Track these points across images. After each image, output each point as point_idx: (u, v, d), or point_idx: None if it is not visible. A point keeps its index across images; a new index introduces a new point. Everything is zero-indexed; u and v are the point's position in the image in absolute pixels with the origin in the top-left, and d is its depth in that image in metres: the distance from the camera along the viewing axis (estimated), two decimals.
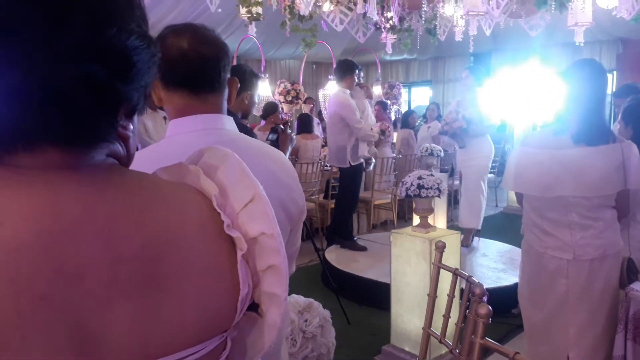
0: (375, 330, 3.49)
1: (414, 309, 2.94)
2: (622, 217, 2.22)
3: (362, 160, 4.95)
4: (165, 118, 3.87)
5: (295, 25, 4.54)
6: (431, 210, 3.09)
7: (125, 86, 0.51)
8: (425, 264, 2.83)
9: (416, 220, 3.10)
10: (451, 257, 2.75)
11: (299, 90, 7.27)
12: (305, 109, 7.43)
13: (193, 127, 1.09)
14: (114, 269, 0.48)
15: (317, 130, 6.55)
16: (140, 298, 0.49)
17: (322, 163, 5.80)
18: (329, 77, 7.40)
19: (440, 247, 2.08)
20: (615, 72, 9.33)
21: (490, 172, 7.33)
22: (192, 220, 0.55)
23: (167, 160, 0.65)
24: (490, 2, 3.60)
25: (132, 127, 0.57)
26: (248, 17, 4.16)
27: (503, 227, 6.15)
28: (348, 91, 4.84)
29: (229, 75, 1.15)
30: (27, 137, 0.47)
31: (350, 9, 4.53)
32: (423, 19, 4.81)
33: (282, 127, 2.72)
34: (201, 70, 1.08)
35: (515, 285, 2.53)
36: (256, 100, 2.76)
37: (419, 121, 8.35)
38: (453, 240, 2.95)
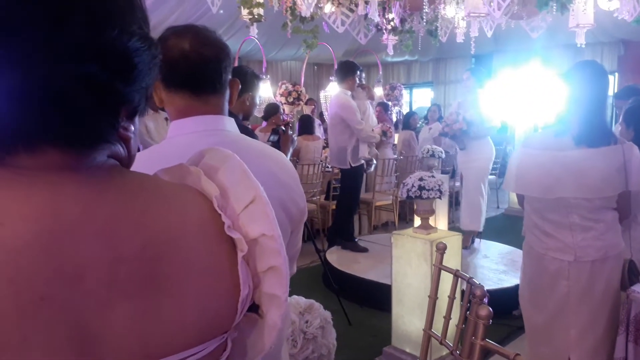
0: (376, 331, 3.49)
1: (415, 310, 2.93)
2: (623, 219, 2.22)
3: (362, 161, 4.95)
4: (166, 119, 3.87)
5: (296, 26, 4.55)
6: (432, 212, 3.09)
7: (127, 87, 0.51)
8: (426, 266, 2.83)
9: (417, 221, 3.10)
10: (452, 259, 2.75)
11: (300, 91, 7.27)
12: (307, 110, 7.44)
13: (194, 128, 1.09)
14: (114, 269, 0.48)
15: (319, 131, 6.55)
16: (141, 298, 0.49)
17: (323, 164, 5.80)
18: (331, 78, 7.40)
19: (441, 249, 2.08)
20: (616, 74, 9.32)
21: (492, 174, 7.33)
22: (193, 221, 0.55)
23: (168, 161, 0.66)
24: (492, 4, 3.60)
25: (133, 128, 0.57)
26: (249, 19, 4.17)
27: (504, 228, 6.15)
28: (349, 92, 4.85)
29: (230, 77, 1.15)
30: (27, 137, 0.47)
31: (351, 11, 4.53)
32: (424, 20, 4.81)
33: (283, 129, 2.72)
34: (202, 71, 1.09)
35: (517, 287, 2.53)
36: (257, 102, 2.76)
37: (420, 122, 8.35)
38: (454, 241, 2.95)
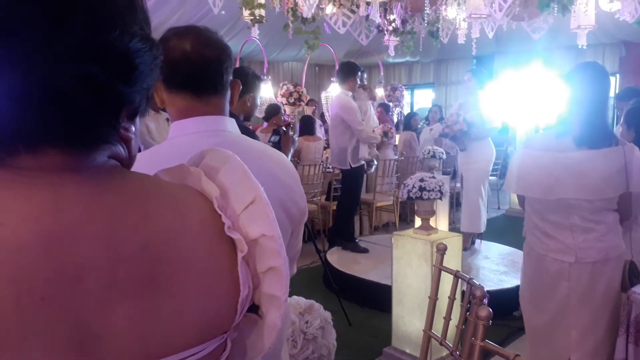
0: (376, 332, 3.49)
1: (415, 311, 2.94)
2: (624, 220, 2.22)
3: (363, 162, 4.96)
4: (168, 120, 3.87)
5: (298, 27, 4.55)
6: (433, 213, 3.09)
7: (127, 88, 0.51)
8: (427, 266, 2.83)
9: (418, 222, 3.10)
10: (453, 260, 2.75)
11: (302, 92, 7.28)
12: (308, 111, 7.45)
13: (195, 128, 1.09)
14: (114, 270, 0.48)
15: (320, 132, 6.55)
16: (141, 298, 0.49)
17: (324, 165, 5.80)
18: (332, 79, 7.41)
19: (442, 250, 2.08)
20: (618, 75, 9.32)
21: (493, 175, 7.33)
22: (193, 221, 0.55)
23: (168, 161, 0.66)
24: (493, 5, 3.60)
25: (134, 129, 0.57)
26: (251, 20, 4.17)
27: (505, 229, 6.15)
28: (350, 93, 4.85)
29: (231, 77, 1.15)
30: (27, 137, 0.47)
31: (352, 12, 4.53)
32: (426, 21, 4.81)
33: (284, 129, 2.73)
34: (204, 72, 1.09)
35: (517, 288, 2.52)
36: (258, 103, 2.77)
37: (421, 123, 8.35)
38: (455, 242, 2.95)
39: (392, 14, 4.78)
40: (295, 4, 4.23)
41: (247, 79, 2.47)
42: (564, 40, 7.51)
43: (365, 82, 5.73)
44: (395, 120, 8.40)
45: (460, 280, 1.91)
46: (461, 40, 5.12)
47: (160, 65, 0.56)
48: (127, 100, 0.52)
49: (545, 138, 2.34)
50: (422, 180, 3.03)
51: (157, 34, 0.80)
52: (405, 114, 8.75)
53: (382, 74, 9.77)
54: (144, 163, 0.71)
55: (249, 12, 4.13)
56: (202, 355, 0.54)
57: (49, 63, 0.45)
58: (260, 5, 4.11)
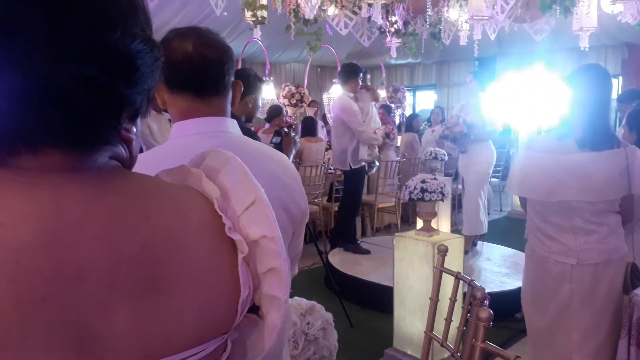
0: (377, 333, 3.49)
1: (417, 312, 2.93)
2: (626, 222, 2.21)
3: (363, 163, 4.96)
4: (170, 120, 3.88)
5: (300, 29, 4.55)
6: (434, 214, 3.09)
7: (129, 89, 0.51)
8: (428, 268, 2.83)
9: (419, 223, 3.10)
10: (454, 261, 2.75)
11: (304, 93, 7.29)
12: (310, 112, 7.45)
13: (196, 129, 1.09)
14: (115, 270, 0.48)
15: (321, 133, 6.56)
16: (141, 299, 0.49)
17: (326, 166, 5.81)
18: (334, 80, 7.42)
19: (443, 251, 2.08)
20: (620, 77, 9.31)
21: (495, 177, 7.33)
22: (194, 222, 0.55)
23: (170, 162, 0.66)
24: (495, 7, 3.60)
25: (135, 129, 0.57)
26: (253, 21, 4.18)
27: (507, 231, 6.14)
28: (352, 94, 4.86)
29: (233, 79, 1.15)
30: (27, 137, 0.47)
31: (354, 13, 4.53)
32: (428, 23, 4.80)
33: (286, 130, 2.73)
34: (205, 73, 1.09)
35: (519, 290, 2.52)
36: (260, 104, 2.77)
37: (423, 125, 8.35)
38: (456, 244, 2.95)
39: (394, 15, 4.78)
40: (297, 6, 4.24)
41: (249, 81, 2.48)
42: (566, 42, 7.51)
43: (369, 83, 5.73)
44: (397, 121, 8.41)
45: (461, 281, 1.91)
46: (463, 41, 5.11)
47: (162, 66, 0.56)
48: (128, 101, 0.52)
49: (547, 140, 2.34)
50: (423, 181, 3.03)
51: (159, 35, 0.81)
52: (407, 115, 8.76)
53: (384, 75, 9.78)
54: (145, 164, 0.71)
55: (251, 13, 4.13)
56: (203, 355, 0.54)
57: (49, 63, 0.45)
58: (262, 7, 4.12)
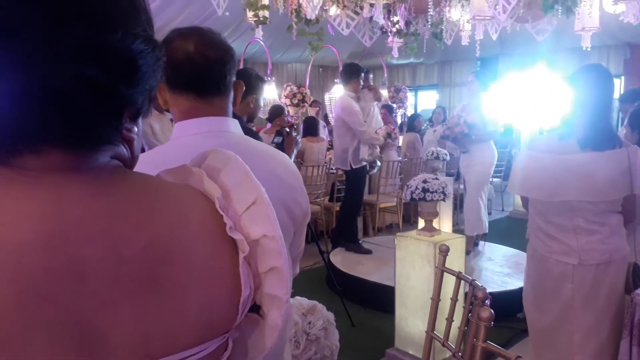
0: (379, 333, 3.49)
1: (418, 312, 2.93)
2: (628, 222, 2.21)
3: (364, 163, 4.96)
4: (172, 120, 3.88)
5: (301, 29, 4.55)
6: (436, 214, 3.08)
7: (130, 89, 0.51)
8: (430, 268, 2.83)
9: (421, 223, 3.10)
10: (456, 261, 2.75)
11: (305, 93, 7.30)
12: (311, 112, 7.46)
13: (198, 129, 1.09)
14: (116, 270, 0.48)
15: (323, 133, 6.56)
16: (142, 298, 0.50)
17: (328, 166, 5.81)
18: (335, 80, 7.42)
19: (444, 251, 2.08)
20: (622, 77, 9.29)
21: (497, 176, 7.32)
22: (195, 221, 0.56)
23: (171, 162, 0.66)
24: (497, 7, 3.60)
25: (136, 129, 0.57)
26: (255, 21, 4.18)
27: (509, 231, 6.13)
28: (353, 94, 4.87)
29: (234, 79, 1.16)
30: (27, 137, 0.47)
31: (356, 13, 4.53)
32: (429, 23, 4.80)
33: (288, 130, 2.73)
34: (207, 73, 1.09)
35: (521, 290, 2.52)
36: (261, 104, 2.78)
37: (425, 125, 8.35)
38: (458, 244, 2.95)
39: (396, 15, 4.78)
40: (299, 6, 4.24)
41: (250, 81, 2.48)
42: (568, 42, 7.49)
43: (372, 83, 5.73)
44: (399, 121, 8.40)
45: (462, 281, 1.91)
46: (465, 41, 5.10)
47: (163, 66, 0.56)
48: (129, 101, 0.52)
49: (549, 140, 2.34)
50: (425, 181, 3.03)
51: (161, 35, 0.81)
52: (409, 115, 8.75)
53: (385, 75, 9.77)
54: (147, 163, 0.71)
55: (253, 13, 4.13)
56: (204, 354, 0.54)
57: (49, 63, 0.45)
58: (264, 7, 4.12)
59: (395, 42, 5.30)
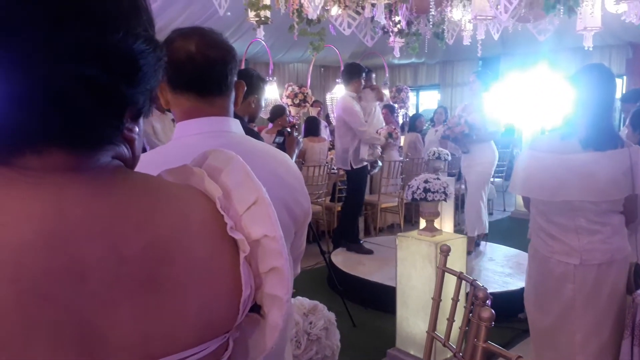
0: (380, 333, 3.49)
1: (419, 313, 2.93)
2: (629, 222, 2.21)
3: (365, 163, 4.96)
4: (173, 120, 3.88)
5: (303, 29, 4.55)
6: (437, 214, 3.08)
7: (131, 89, 0.51)
8: (431, 268, 2.83)
9: (422, 223, 3.10)
10: (457, 261, 2.75)
11: (307, 93, 7.29)
12: (313, 112, 7.45)
13: (199, 129, 1.10)
14: (117, 270, 0.48)
15: (324, 133, 6.56)
16: (143, 298, 0.50)
17: (329, 166, 5.81)
18: (337, 80, 7.42)
19: (445, 251, 2.08)
20: (624, 77, 9.28)
21: (499, 176, 7.32)
22: (196, 221, 0.56)
23: (172, 162, 0.66)
24: (498, 7, 3.59)
25: (137, 129, 0.57)
26: (256, 21, 4.18)
27: (510, 231, 6.13)
28: (354, 94, 4.87)
29: (235, 79, 1.16)
30: (27, 137, 0.47)
31: (358, 13, 4.53)
32: (431, 23, 4.80)
33: (289, 130, 2.73)
34: (208, 73, 1.09)
35: (522, 290, 2.51)
36: (263, 104, 2.78)
37: (426, 125, 8.34)
38: (459, 244, 2.94)
39: (397, 15, 4.77)
40: (301, 6, 4.24)
41: (252, 81, 2.48)
42: (570, 42, 7.49)
43: (374, 83, 5.73)
44: (401, 121, 8.40)
45: (464, 281, 1.90)
46: (466, 41, 5.10)
47: (165, 66, 0.56)
48: (130, 101, 0.52)
49: (550, 140, 2.34)
50: (426, 181, 3.03)
51: (162, 35, 0.81)
52: (411, 115, 8.75)
53: (387, 75, 9.77)
54: (148, 163, 0.71)
55: (255, 13, 4.13)
56: (204, 354, 0.54)
57: (49, 63, 0.45)
58: (265, 7, 4.12)
59: (396, 42, 5.30)
